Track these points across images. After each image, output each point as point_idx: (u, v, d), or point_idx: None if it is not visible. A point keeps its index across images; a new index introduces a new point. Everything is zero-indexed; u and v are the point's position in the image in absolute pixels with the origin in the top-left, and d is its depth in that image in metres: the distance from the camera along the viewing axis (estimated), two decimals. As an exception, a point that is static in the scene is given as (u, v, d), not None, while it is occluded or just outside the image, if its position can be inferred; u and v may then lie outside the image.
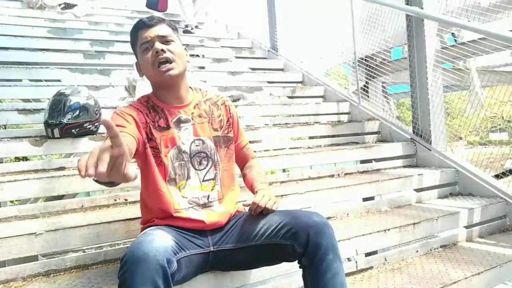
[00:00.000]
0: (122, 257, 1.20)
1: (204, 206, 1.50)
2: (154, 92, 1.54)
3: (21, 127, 4.08)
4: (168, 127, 1.48)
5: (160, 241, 1.23)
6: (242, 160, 1.73)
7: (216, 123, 1.57)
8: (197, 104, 1.56)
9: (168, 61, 1.43)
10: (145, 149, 1.44)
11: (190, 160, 1.49)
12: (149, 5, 4.89)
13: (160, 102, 1.50)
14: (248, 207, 1.50)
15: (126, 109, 1.46)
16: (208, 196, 1.51)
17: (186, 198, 1.47)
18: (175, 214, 1.44)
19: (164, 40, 1.46)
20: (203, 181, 1.52)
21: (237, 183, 1.65)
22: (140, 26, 1.48)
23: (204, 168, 1.52)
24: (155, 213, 1.47)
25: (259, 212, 1.48)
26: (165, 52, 1.43)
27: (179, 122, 1.50)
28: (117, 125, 1.27)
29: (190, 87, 1.58)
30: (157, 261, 1.16)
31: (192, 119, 1.52)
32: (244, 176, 1.71)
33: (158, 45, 1.43)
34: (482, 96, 3.35)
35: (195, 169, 1.50)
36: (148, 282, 1.13)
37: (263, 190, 1.53)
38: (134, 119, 1.43)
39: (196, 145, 1.51)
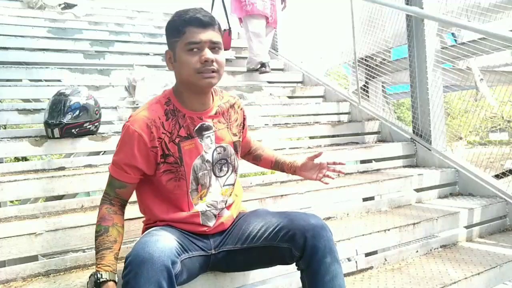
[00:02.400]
0: (127, 257, 1.20)
1: (220, 210, 1.48)
2: (177, 92, 1.42)
3: (21, 127, 4.07)
4: (190, 136, 1.40)
5: (165, 242, 1.23)
6: (247, 147, 1.73)
7: (234, 127, 1.53)
8: (218, 108, 1.48)
9: (213, 71, 1.35)
10: (157, 170, 1.38)
11: (212, 168, 1.46)
12: None
13: (182, 107, 1.40)
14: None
15: (138, 126, 1.33)
16: (226, 201, 1.50)
17: (205, 202, 1.46)
18: (186, 219, 1.43)
19: (213, 47, 1.35)
20: (223, 186, 1.50)
21: (241, 186, 1.66)
22: (193, 22, 1.33)
23: (225, 175, 1.50)
24: (161, 216, 1.44)
25: (257, 213, 1.52)
26: (213, 62, 1.34)
27: (201, 130, 1.42)
28: (124, 164, 1.35)
29: None
30: (162, 262, 1.16)
31: (214, 125, 1.46)
32: (259, 156, 1.74)
33: (209, 55, 1.33)
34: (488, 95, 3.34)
35: (216, 176, 1.47)
36: (153, 283, 1.13)
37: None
38: (145, 145, 1.34)
39: (218, 153, 1.47)
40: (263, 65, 3.99)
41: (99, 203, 2.07)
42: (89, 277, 1.27)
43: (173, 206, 1.43)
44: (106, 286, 1.24)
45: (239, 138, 1.56)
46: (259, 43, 3.93)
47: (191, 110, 1.42)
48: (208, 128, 1.44)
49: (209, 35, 1.34)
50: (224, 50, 4.24)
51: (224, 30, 3.94)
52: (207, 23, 1.34)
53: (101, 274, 1.24)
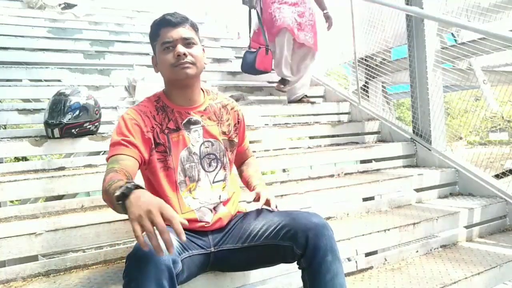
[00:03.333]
0: (127, 256, 1.20)
1: (215, 206, 1.50)
2: (166, 91, 1.53)
3: (21, 127, 4.07)
4: (178, 129, 1.48)
5: None
6: (241, 158, 1.75)
7: (224, 126, 1.58)
8: (208, 106, 1.56)
9: (188, 63, 1.43)
10: (151, 156, 1.44)
11: (200, 162, 1.50)
12: (246, 69, 3.61)
13: (170, 103, 1.50)
14: (252, 204, 1.52)
15: (133, 114, 1.44)
16: (220, 196, 1.52)
17: (197, 199, 1.48)
18: (182, 216, 1.44)
19: (187, 42, 1.44)
20: (214, 182, 1.52)
21: (238, 185, 1.66)
22: (163, 24, 1.44)
23: (214, 170, 1.53)
24: None
25: (258, 212, 1.52)
26: (186, 56, 1.42)
27: (189, 123, 1.50)
28: (123, 140, 1.36)
29: (201, 89, 1.57)
30: (163, 262, 1.16)
31: (202, 121, 1.52)
32: (241, 172, 1.75)
33: (181, 49, 1.42)
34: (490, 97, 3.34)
35: (205, 171, 1.51)
36: (154, 282, 1.13)
37: (265, 189, 1.57)
38: (140, 128, 1.42)
39: (206, 147, 1.52)
40: (283, 82, 3.55)
41: (99, 203, 2.12)
42: (115, 199, 1.11)
43: (168, 199, 1.44)
44: (139, 190, 1.10)
45: (231, 138, 1.59)
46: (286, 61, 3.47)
47: (179, 106, 1.51)
48: (195, 122, 1.51)
49: (180, 32, 1.43)
50: (264, 72, 3.53)
51: (260, 47, 3.51)
52: (177, 22, 1.44)
53: (129, 183, 1.12)
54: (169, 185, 1.46)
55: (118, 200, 1.10)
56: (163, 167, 1.46)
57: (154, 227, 1.04)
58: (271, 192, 1.57)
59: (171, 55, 1.42)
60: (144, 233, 1.04)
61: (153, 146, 1.44)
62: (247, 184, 1.67)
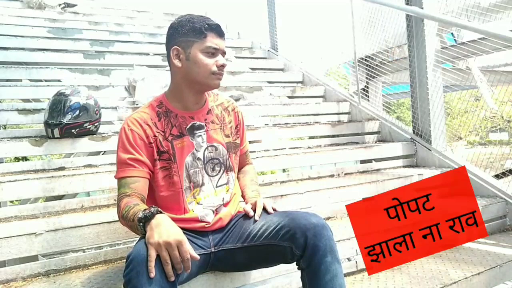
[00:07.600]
0: (128, 256, 1.20)
1: (217, 207, 1.51)
2: (173, 93, 1.49)
3: (21, 127, 4.08)
4: (182, 135, 1.47)
5: None
6: (239, 163, 1.71)
7: (227, 129, 1.57)
8: (210, 109, 1.55)
9: (221, 75, 1.48)
10: (155, 167, 1.43)
11: (204, 167, 1.50)
12: None
13: (174, 108, 1.48)
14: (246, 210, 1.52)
15: (134, 125, 1.42)
16: (223, 198, 1.52)
17: (201, 204, 1.48)
18: (186, 216, 1.45)
19: (223, 54, 1.48)
20: (217, 186, 1.52)
21: (238, 185, 1.66)
22: (212, 29, 1.43)
23: (217, 174, 1.53)
24: None
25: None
26: (224, 68, 1.47)
27: (193, 129, 1.49)
28: (129, 159, 1.38)
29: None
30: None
31: (206, 125, 1.51)
32: (237, 180, 1.71)
33: (224, 61, 1.45)
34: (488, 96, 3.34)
35: (209, 176, 1.51)
36: (154, 282, 1.13)
37: (259, 198, 1.56)
38: (143, 141, 1.41)
39: (210, 152, 1.51)
40: None
41: (99, 203, 2.13)
42: (136, 220, 1.22)
43: (170, 204, 1.45)
44: (161, 216, 1.22)
45: (233, 139, 1.59)
46: None
47: (184, 110, 1.49)
48: (199, 127, 1.50)
49: (224, 44, 1.47)
50: None
51: None
52: (223, 33, 1.47)
53: (152, 208, 1.23)
54: (172, 192, 1.45)
55: (140, 222, 1.22)
56: (167, 175, 1.44)
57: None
58: (266, 200, 1.56)
59: (213, 62, 1.43)
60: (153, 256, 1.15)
61: (157, 156, 1.43)
62: (242, 195, 1.66)
